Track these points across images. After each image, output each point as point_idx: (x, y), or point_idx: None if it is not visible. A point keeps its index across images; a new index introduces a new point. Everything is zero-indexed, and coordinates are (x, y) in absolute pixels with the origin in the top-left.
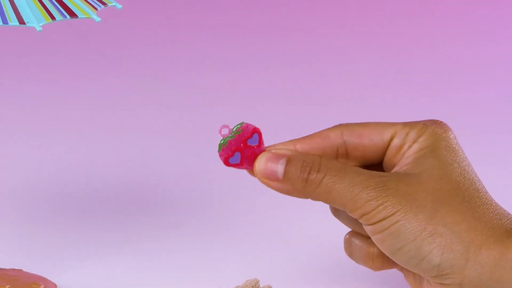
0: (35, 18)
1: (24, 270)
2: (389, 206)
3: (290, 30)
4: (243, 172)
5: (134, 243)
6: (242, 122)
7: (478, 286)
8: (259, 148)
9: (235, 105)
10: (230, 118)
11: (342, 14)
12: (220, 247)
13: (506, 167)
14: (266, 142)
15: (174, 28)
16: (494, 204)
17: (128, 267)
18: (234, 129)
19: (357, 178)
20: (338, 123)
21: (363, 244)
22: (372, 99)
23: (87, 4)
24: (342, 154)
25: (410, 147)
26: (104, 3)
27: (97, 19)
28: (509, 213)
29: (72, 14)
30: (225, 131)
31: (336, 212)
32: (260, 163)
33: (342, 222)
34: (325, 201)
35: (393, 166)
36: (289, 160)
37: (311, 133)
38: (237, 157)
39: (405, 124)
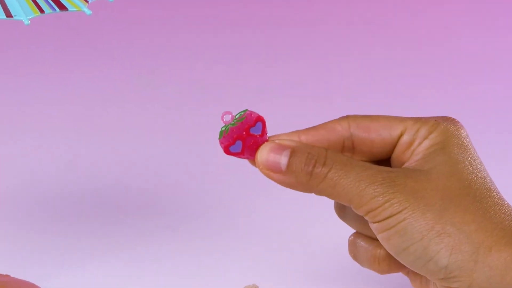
0: (22, 11)
1: (12, 275)
2: (396, 203)
3: (296, 20)
4: (241, 173)
5: (128, 247)
6: (246, 109)
7: None
8: (262, 138)
9: (237, 97)
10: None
11: (350, 4)
12: (217, 250)
13: None
14: (270, 132)
15: (170, 21)
16: (506, 205)
17: (121, 272)
18: (237, 116)
19: (363, 173)
20: (345, 115)
21: (368, 245)
22: (381, 91)
23: None
24: (348, 148)
25: (420, 144)
26: None
27: (88, 12)
28: None
29: (62, 7)
30: (228, 118)
31: (341, 212)
32: (263, 153)
33: (347, 223)
34: (329, 196)
35: (402, 163)
36: (293, 152)
37: (316, 124)
38: (238, 145)
39: (416, 120)
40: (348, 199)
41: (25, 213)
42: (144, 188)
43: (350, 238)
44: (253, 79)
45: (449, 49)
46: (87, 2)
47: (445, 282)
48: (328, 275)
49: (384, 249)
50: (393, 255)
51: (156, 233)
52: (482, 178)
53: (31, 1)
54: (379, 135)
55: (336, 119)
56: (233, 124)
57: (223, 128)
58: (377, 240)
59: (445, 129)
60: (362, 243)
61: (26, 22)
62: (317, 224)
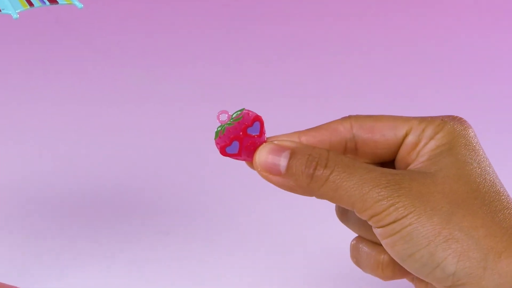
0: (11, 5)
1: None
2: (401, 208)
3: (297, 18)
4: (239, 175)
5: (120, 252)
6: (243, 109)
7: None
8: (260, 139)
9: (234, 96)
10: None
11: (351, 2)
12: (214, 255)
13: None
14: (268, 133)
15: (166, 16)
16: None
17: (113, 279)
18: (233, 116)
19: (367, 175)
20: (347, 115)
21: (371, 251)
22: (384, 91)
23: None
24: (351, 149)
25: (426, 144)
26: None
27: (80, 5)
28: None
29: (52, 0)
30: (224, 117)
31: (343, 216)
32: (261, 154)
33: (349, 227)
34: (331, 200)
35: (407, 165)
36: (293, 153)
37: (317, 125)
38: (235, 146)
39: (421, 120)
40: (350, 203)
41: (15, 216)
42: (140, 188)
43: (352, 243)
44: (251, 77)
45: (454, 46)
46: None
47: None
48: (329, 281)
49: (388, 254)
50: (398, 261)
51: (152, 236)
52: (491, 180)
53: None
54: (383, 136)
55: (338, 120)
56: (229, 124)
57: (219, 128)
58: (381, 245)
59: (452, 129)
60: (365, 248)
61: (15, 16)
62: (317, 227)
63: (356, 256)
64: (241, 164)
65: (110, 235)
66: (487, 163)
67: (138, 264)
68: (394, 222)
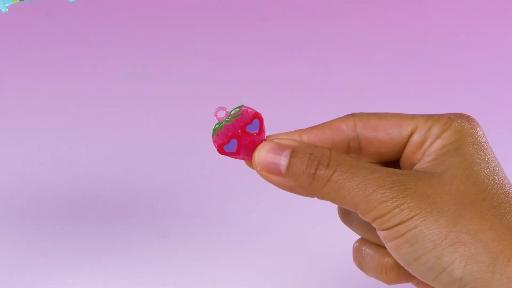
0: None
1: None
2: (406, 209)
3: (298, 11)
4: (238, 174)
5: (117, 253)
6: (242, 105)
7: None
8: (260, 137)
9: (232, 92)
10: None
11: None
12: (213, 257)
13: None
14: (268, 131)
15: (161, 10)
16: None
17: (110, 281)
18: (231, 113)
19: (371, 175)
20: (350, 112)
21: (375, 253)
22: (388, 88)
23: None
24: (354, 149)
25: (432, 143)
26: None
27: None
28: None
29: None
30: (221, 114)
31: (346, 217)
32: (261, 153)
33: (352, 229)
34: (333, 201)
35: (412, 164)
36: (294, 152)
37: (319, 123)
38: (233, 144)
39: (427, 118)
40: (353, 204)
41: (11, 218)
42: (136, 189)
43: (355, 245)
44: (250, 73)
45: (461, 42)
46: None
47: None
48: (331, 284)
49: (393, 257)
50: (403, 265)
51: (149, 237)
52: (500, 181)
53: None
54: (388, 134)
55: (341, 118)
56: (227, 121)
57: (217, 126)
58: (385, 247)
59: (459, 127)
60: (368, 250)
61: (4, 10)
62: (318, 229)
63: (359, 259)
64: (240, 163)
65: (106, 236)
66: (496, 163)
67: (136, 266)
68: (399, 224)
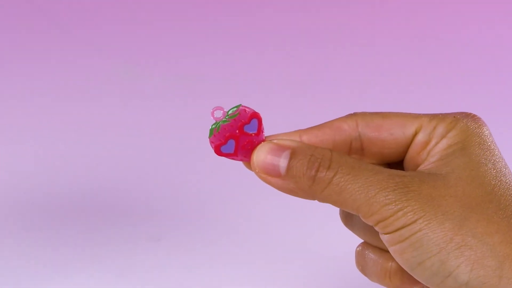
0: None
1: None
2: (409, 212)
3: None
4: (235, 176)
5: (109, 258)
6: (240, 105)
7: None
8: (258, 137)
9: (230, 91)
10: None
11: None
12: (208, 262)
13: None
14: (267, 131)
15: (155, 5)
16: None
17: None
18: (229, 112)
19: (373, 177)
20: (352, 112)
21: (378, 258)
22: (391, 86)
23: None
24: (356, 149)
25: (437, 143)
26: None
27: None
28: None
29: None
30: (219, 114)
31: (348, 220)
32: (259, 154)
33: (354, 232)
34: (335, 204)
35: (417, 165)
36: (294, 153)
37: (320, 122)
38: (231, 145)
39: (432, 117)
40: (355, 207)
41: None
42: (130, 191)
43: (358, 249)
44: (248, 71)
45: (466, 40)
46: None
47: None
48: None
49: (396, 262)
50: (407, 270)
51: (143, 241)
52: (507, 182)
53: None
54: (391, 134)
55: (342, 117)
56: (225, 121)
57: (214, 126)
58: (388, 251)
59: (465, 126)
60: (371, 254)
61: None
62: (319, 232)
63: (361, 264)
64: (238, 164)
65: (98, 240)
66: (503, 163)
67: (130, 270)
68: (402, 228)
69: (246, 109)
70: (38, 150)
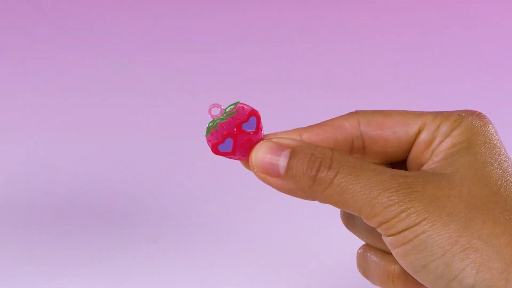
0: None
1: None
2: (413, 214)
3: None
4: (233, 176)
5: (102, 261)
6: (237, 102)
7: None
8: (257, 135)
9: (227, 87)
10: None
11: None
12: (205, 265)
13: None
14: (266, 130)
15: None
16: None
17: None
18: (227, 110)
19: (375, 177)
20: (354, 110)
21: (381, 260)
22: (394, 84)
23: None
24: (358, 148)
25: (441, 142)
26: None
27: None
28: None
29: None
30: (216, 112)
31: (349, 222)
32: (258, 153)
33: (356, 234)
34: (336, 205)
35: (420, 165)
36: (293, 152)
37: (321, 121)
38: (228, 144)
39: (436, 115)
40: (357, 208)
41: None
42: (125, 192)
43: (359, 251)
44: (246, 67)
45: (470, 35)
46: None
47: None
48: None
49: (399, 265)
50: (410, 273)
51: (139, 243)
52: None
53: None
54: (394, 133)
55: (344, 115)
56: (222, 119)
57: (211, 124)
58: (391, 254)
59: (470, 124)
60: (373, 257)
61: None
62: (319, 234)
63: (363, 266)
64: (236, 164)
65: (93, 242)
66: (510, 163)
67: (127, 272)
68: (406, 229)
69: (244, 106)
70: (33, 150)
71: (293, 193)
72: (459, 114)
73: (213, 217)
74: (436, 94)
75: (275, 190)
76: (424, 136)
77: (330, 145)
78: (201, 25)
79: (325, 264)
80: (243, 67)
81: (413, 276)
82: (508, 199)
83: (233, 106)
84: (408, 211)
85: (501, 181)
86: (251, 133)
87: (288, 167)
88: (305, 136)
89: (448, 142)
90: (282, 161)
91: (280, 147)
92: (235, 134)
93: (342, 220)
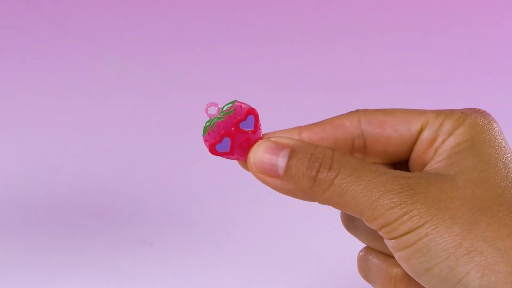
0: None
1: None
2: (416, 216)
3: None
4: (231, 176)
5: (101, 261)
6: (235, 100)
7: None
8: (255, 135)
9: (225, 86)
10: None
11: None
12: (205, 265)
13: None
14: (264, 129)
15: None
16: None
17: None
18: (224, 109)
19: (377, 179)
20: (355, 109)
21: (382, 263)
22: (395, 82)
23: None
24: (359, 148)
25: (444, 141)
26: None
27: None
28: None
29: None
30: (213, 111)
31: (350, 224)
32: (256, 153)
33: (357, 237)
34: (336, 206)
35: (423, 164)
36: (293, 152)
37: (321, 119)
38: (226, 143)
39: (438, 113)
40: (358, 210)
41: None
42: (121, 193)
43: (360, 254)
44: (244, 64)
45: (473, 32)
46: None
47: None
48: None
49: (402, 268)
50: (413, 276)
51: (135, 246)
52: None
53: None
54: (396, 132)
55: (344, 114)
56: (219, 118)
57: (208, 123)
58: (393, 257)
59: (473, 123)
60: (374, 260)
61: None
62: (320, 236)
63: (364, 270)
64: (234, 164)
65: (92, 242)
66: None
67: (123, 274)
68: (408, 232)
69: (242, 105)
70: (33, 150)
71: (292, 194)
72: (462, 112)
73: (213, 217)
74: (437, 94)
75: (274, 191)
76: (426, 134)
77: (330, 145)
78: (200, 24)
79: (325, 264)
80: (243, 66)
81: (416, 280)
82: None
83: (230, 105)
84: (411, 213)
85: (506, 182)
86: (249, 132)
87: (288, 167)
88: (305, 135)
89: (451, 141)
90: (281, 161)
91: (279, 147)
92: (233, 133)
93: (342, 222)
